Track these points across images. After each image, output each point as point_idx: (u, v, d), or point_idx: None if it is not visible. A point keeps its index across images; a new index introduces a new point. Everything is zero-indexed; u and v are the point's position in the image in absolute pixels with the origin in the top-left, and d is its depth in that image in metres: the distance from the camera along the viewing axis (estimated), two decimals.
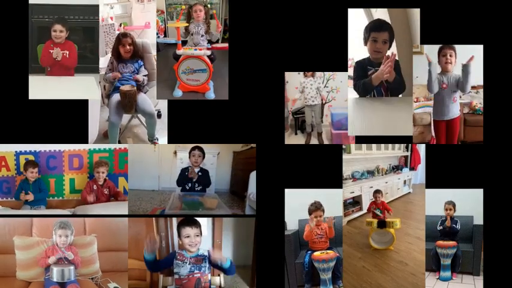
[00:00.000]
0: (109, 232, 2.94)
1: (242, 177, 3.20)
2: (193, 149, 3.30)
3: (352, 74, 3.03)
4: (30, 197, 3.06)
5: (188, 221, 2.72)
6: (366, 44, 2.99)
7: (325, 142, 3.13)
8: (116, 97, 3.11)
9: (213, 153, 3.55)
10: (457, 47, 2.96)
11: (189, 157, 3.35)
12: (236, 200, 3.42)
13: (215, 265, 2.72)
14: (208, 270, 2.72)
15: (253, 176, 2.95)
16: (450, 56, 2.97)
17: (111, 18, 3.44)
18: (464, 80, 2.99)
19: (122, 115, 3.12)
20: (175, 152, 3.60)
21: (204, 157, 3.34)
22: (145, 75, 3.18)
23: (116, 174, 3.18)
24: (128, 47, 3.13)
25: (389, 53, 2.98)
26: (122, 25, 3.47)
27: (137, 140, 3.17)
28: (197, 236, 2.69)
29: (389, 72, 2.95)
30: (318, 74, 3.08)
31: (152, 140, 3.08)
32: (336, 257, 2.88)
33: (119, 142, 3.08)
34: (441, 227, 3.04)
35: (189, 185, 3.39)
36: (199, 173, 3.42)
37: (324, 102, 3.24)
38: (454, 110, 3.06)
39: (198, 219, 2.76)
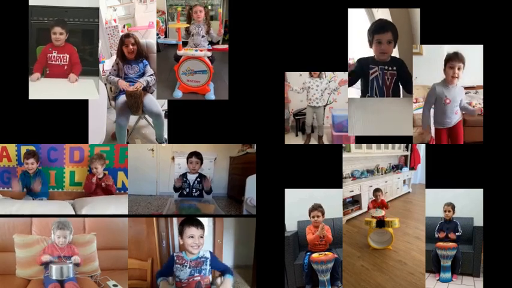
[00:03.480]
0: (108, 230, 2.87)
1: (239, 182, 3.15)
2: (190, 155, 3.25)
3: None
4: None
5: (192, 221, 2.58)
6: (371, 46, 2.89)
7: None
8: (122, 98, 3.03)
9: (210, 158, 3.51)
10: (460, 47, 2.84)
11: (187, 163, 3.28)
12: (234, 204, 3.36)
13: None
14: (209, 273, 2.60)
15: (249, 180, 2.87)
16: (458, 69, 2.83)
17: (115, 20, 3.40)
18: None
19: (128, 116, 3.03)
20: (173, 158, 3.57)
21: (202, 163, 3.27)
22: (151, 75, 3.05)
23: (116, 168, 3.14)
24: (131, 46, 3.03)
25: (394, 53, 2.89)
26: (126, 26, 3.42)
27: (146, 141, 3.11)
28: (201, 237, 2.56)
29: None
30: (323, 75, 3.01)
31: (161, 140, 2.98)
32: (334, 258, 2.79)
33: (127, 143, 3.00)
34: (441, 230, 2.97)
35: (187, 190, 3.29)
36: (198, 179, 3.31)
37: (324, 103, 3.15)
38: (456, 119, 2.94)
39: (201, 221, 2.66)
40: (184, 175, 3.31)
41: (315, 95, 3.08)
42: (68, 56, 2.90)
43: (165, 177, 3.64)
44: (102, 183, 3.12)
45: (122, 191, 3.12)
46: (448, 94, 2.87)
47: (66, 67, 2.92)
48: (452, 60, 2.81)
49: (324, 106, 3.14)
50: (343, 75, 2.90)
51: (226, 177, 3.72)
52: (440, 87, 2.88)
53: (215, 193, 3.43)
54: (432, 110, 2.92)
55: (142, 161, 3.34)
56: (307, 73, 2.98)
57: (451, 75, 2.84)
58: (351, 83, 2.90)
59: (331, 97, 3.09)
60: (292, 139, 3.00)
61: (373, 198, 3.21)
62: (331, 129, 3.05)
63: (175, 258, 2.55)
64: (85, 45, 2.92)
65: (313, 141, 3.07)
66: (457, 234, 2.92)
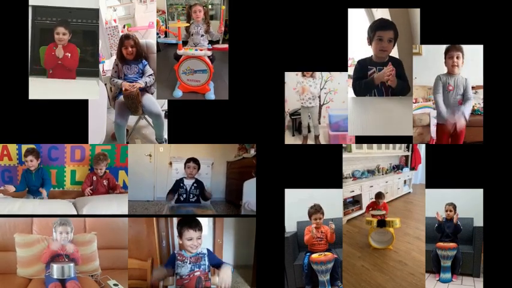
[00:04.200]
0: (109, 230, 2.86)
1: (236, 187, 3.12)
2: (188, 161, 3.23)
3: (351, 73, 2.92)
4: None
5: (191, 223, 2.60)
6: (370, 43, 2.89)
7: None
8: (121, 99, 3.02)
9: (207, 163, 3.49)
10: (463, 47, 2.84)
11: (184, 168, 3.26)
12: (232, 209, 3.33)
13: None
14: (208, 268, 2.62)
15: (247, 185, 2.86)
16: (457, 58, 2.84)
17: (115, 20, 3.37)
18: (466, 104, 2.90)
19: (127, 117, 3.01)
20: (170, 163, 3.55)
21: (199, 168, 3.26)
22: (150, 75, 3.04)
23: (117, 167, 3.14)
24: (130, 48, 3.01)
25: (393, 53, 2.89)
26: (126, 27, 3.39)
27: (146, 141, 3.10)
28: (199, 238, 2.59)
29: (391, 80, 2.86)
30: (317, 75, 2.95)
31: (161, 140, 2.97)
32: (334, 258, 2.77)
33: (127, 143, 2.99)
34: (436, 225, 2.93)
35: (184, 196, 3.26)
36: (194, 184, 3.28)
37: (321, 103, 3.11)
38: (460, 114, 2.91)
39: (199, 220, 2.66)
40: (181, 180, 3.29)
41: (308, 95, 3.05)
42: (69, 54, 2.87)
43: (162, 182, 3.60)
44: (104, 181, 3.11)
45: (123, 189, 3.11)
46: (451, 82, 2.88)
47: None
48: (450, 51, 2.84)
49: (321, 106, 3.11)
50: (340, 76, 2.88)
51: (223, 181, 3.70)
52: (444, 77, 2.90)
53: (213, 198, 3.40)
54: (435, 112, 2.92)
55: (140, 166, 3.31)
56: (300, 73, 2.95)
57: (451, 65, 2.85)
58: (358, 92, 2.91)
59: (327, 97, 3.06)
60: (289, 139, 2.97)
61: (374, 199, 3.18)
62: (328, 129, 3.03)
63: (176, 255, 2.58)
64: (87, 46, 2.90)
65: (310, 142, 3.04)
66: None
